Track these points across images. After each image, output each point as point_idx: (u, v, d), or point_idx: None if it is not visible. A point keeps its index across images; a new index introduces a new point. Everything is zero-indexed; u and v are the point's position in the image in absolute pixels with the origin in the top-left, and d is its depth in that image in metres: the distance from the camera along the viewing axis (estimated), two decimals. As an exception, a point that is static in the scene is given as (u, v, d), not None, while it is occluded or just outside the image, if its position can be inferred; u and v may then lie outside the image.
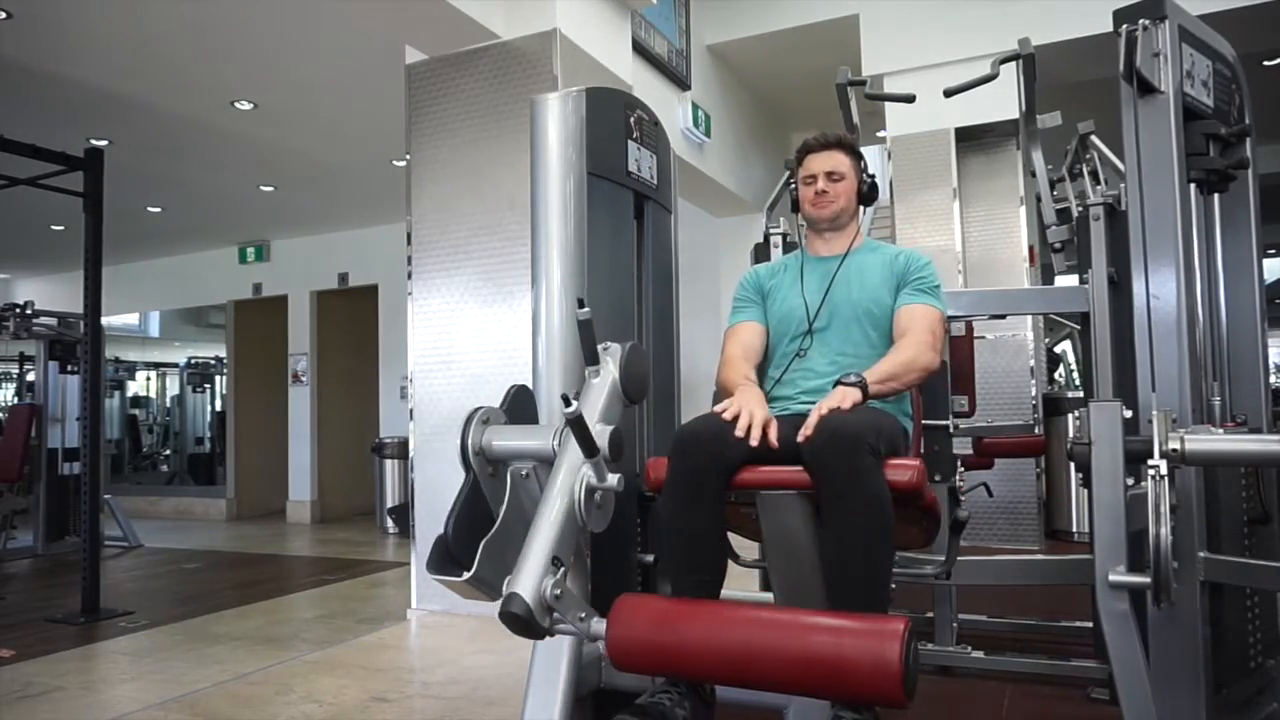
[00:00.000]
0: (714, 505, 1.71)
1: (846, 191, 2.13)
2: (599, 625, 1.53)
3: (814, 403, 1.95)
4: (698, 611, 1.52)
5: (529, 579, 1.48)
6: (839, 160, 2.13)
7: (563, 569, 1.52)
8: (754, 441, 1.73)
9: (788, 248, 2.87)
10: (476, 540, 1.60)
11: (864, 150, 2.27)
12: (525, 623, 1.46)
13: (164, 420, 11.52)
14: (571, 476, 1.61)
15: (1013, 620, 3.14)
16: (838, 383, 1.83)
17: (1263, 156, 2.52)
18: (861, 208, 2.22)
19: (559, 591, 1.49)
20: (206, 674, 3.10)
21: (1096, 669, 2.52)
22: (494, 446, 1.74)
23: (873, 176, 2.20)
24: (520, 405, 1.86)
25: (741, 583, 3.63)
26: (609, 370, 1.80)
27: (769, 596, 2.28)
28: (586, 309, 1.75)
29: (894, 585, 1.97)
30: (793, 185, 2.23)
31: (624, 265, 2.26)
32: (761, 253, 3.00)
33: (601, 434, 1.64)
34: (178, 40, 4.26)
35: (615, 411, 1.77)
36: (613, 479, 1.62)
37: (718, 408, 1.85)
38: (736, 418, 1.77)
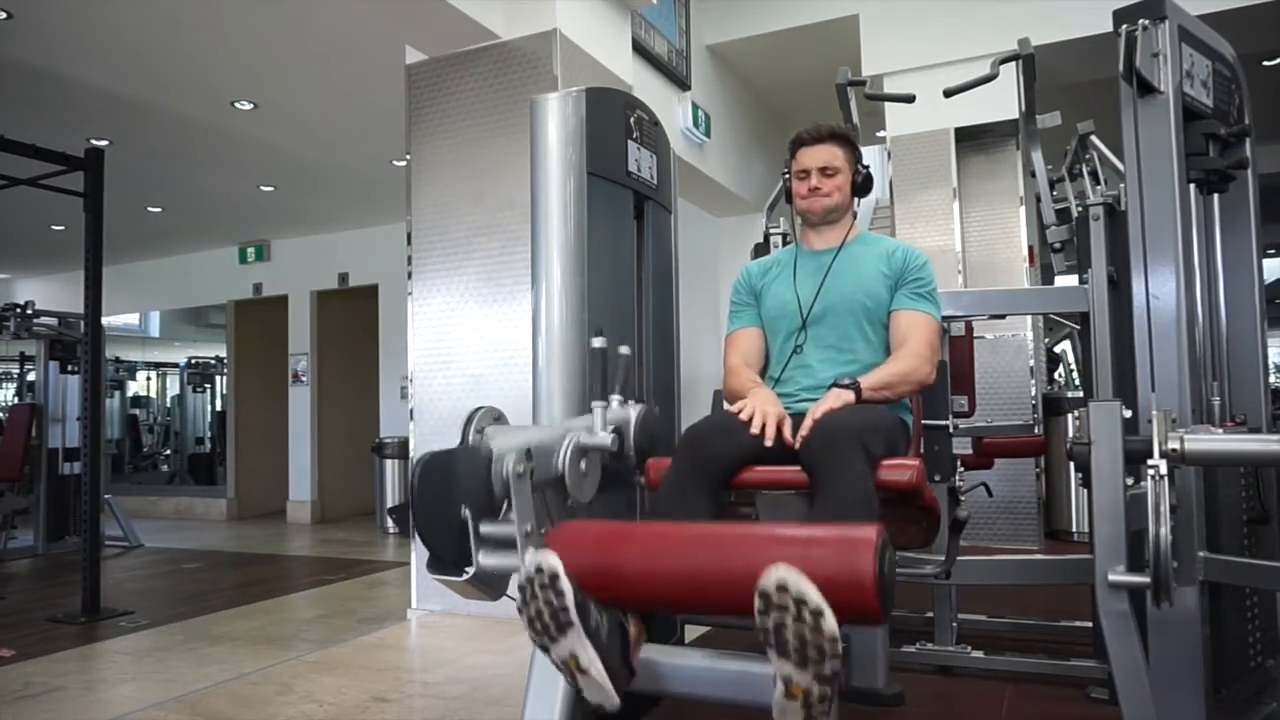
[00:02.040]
0: (711, 504, 1.71)
1: (840, 186, 2.10)
2: (538, 555, 1.38)
3: (813, 400, 1.96)
4: (647, 531, 1.49)
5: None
6: (832, 153, 2.09)
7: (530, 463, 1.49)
8: (769, 441, 1.74)
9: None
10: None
11: (864, 150, 2.26)
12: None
13: (164, 420, 11.52)
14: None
15: (1013, 620, 3.14)
16: (833, 384, 1.84)
17: (1262, 156, 2.52)
18: (856, 200, 2.18)
19: (521, 469, 1.46)
20: (206, 674, 3.10)
21: (1096, 669, 2.52)
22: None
23: (867, 167, 2.16)
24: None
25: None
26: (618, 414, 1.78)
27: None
28: (603, 338, 1.76)
29: (894, 585, 1.97)
30: (786, 176, 2.20)
31: (624, 265, 2.27)
32: (761, 252, 3.00)
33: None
34: (178, 40, 4.26)
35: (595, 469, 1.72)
36: (605, 436, 1.61)
37: (733, 408, 1.85)
38: (752, 417, 1.78)
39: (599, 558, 1.39)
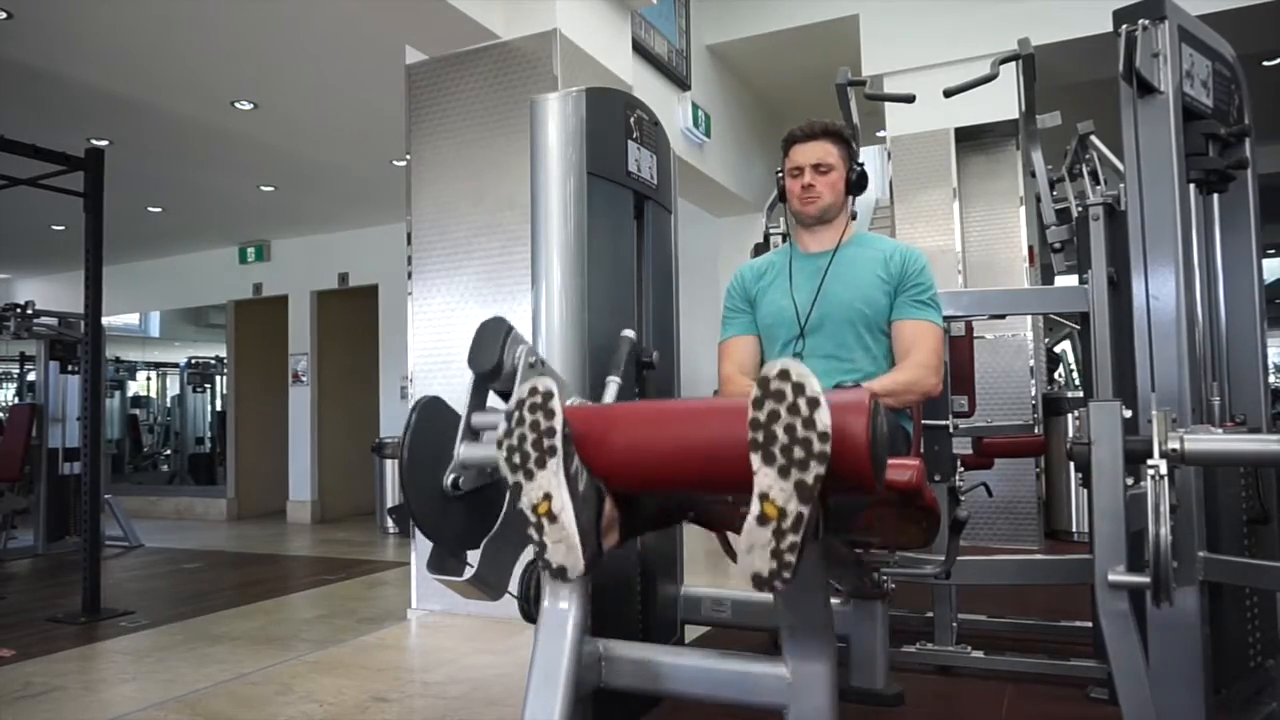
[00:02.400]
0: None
1: (834, 184, 2.07)
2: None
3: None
4: (635, 410, 1.49)
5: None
6: (826, 150, 2.06)
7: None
8: None
9: (788, 247, 2.86)
10: (477, 536, 1.60)
11: (864, 150, 2.24)
12: None
13: (164, 420, 11.53)
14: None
15: (1013, 620, 3.14)
16: (836, 386, 1.83)
17: (1262, 156, 2.52)
18: (851, 198, 2.15)
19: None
20: (206, 674, 3.10)
21: (1096, 669, 2.52)
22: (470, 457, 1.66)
23: (862, 164, 2.13)
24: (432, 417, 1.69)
25: (741, 583, 3.63)
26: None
27: (769, 597, 2.28)
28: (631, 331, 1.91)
29: (894, 585, 1.98)
30: (779, 175, 2.17)
31: (624, 265, 2.26)
32: (761, 252, 3.00)
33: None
34: (178, 40, 4.26)
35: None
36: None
37: None
38: None
39: (591, 427, 1.37)
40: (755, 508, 1.13)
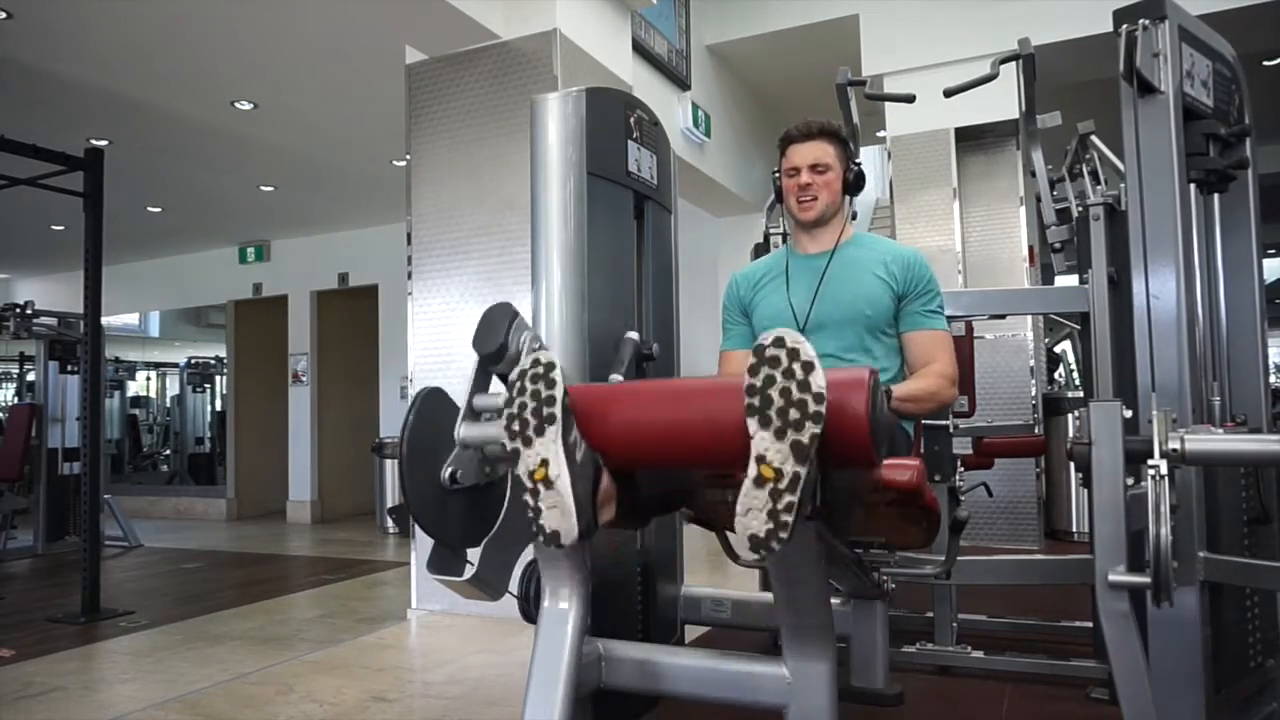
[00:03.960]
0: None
1: (831, 184, 2.05)
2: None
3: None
4: (639, 389, 1.51)
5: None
6: (823, 150, 2.04)
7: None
8: None
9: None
10: (477, 535, 1.60)
11: (864, 150, 2.23)
12: None
13: (164, 420, 11.53)
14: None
15: (1013, 620, 3.14)
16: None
17: (1263, 156, 2.52)
18: (848, 198, 2.14)
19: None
20: (206, 674, 3.10)
21: (1096, 669, 2.53)
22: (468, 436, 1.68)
23: (859, 164, 2.12)
24: (433, 408, 1.69)
25: (742, 583, 3.64)
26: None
27: (769, 597, 2.28)
28: (635, 334, 1.96)
29: (894, 585, 1.98)
30: (776, 175, 2.15)
31: (624, 265, 2.26)
32: (761, 252, 3.00)
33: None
34: (178, 40, 4.26)
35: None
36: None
37: None
38: None
39: (591, 402, 1.40)
40: (752, 470, 1.15)
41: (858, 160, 2.13)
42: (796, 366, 1.13)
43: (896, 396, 1.83)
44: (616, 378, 1.88)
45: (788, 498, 1.13)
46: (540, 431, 1.30)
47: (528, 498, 1.31)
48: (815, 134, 2.05)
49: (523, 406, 1.32)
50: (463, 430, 1.55)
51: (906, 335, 2.03)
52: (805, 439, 1.12)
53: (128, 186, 6.08)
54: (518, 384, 1.34)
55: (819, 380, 1.13)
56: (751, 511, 1.14)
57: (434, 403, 1.60)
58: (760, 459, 1.14)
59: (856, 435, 1.18)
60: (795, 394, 1.13)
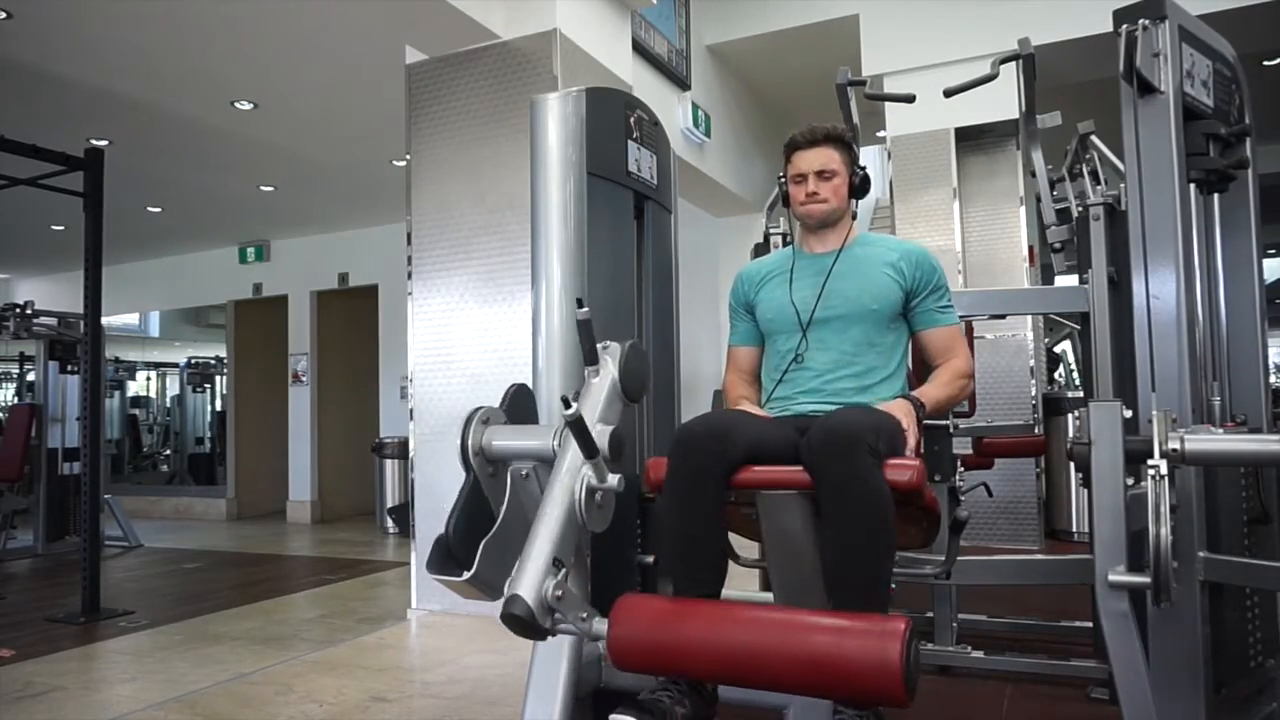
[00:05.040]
0: (713, 504, 1.71)
1: (838, 189, 2.06)
2: (600, 625, 1.53)
3: (814, 402, 1.96)
4: (698, 611, 1.52)
5: (530, 580, 1.48)
6: (829, 156, 2.05)
7: (564, 570, 1.52)
8: None
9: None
10: (476, 540, 1.60)
11: (864, 150, 2.24)
12: (527, 624, 1.46)
13: (164, 420, 11.52)
14: (572, 477, 1.61)
15: (1013, 620, 3.14)
16: (902, 396, 1.91)
17: (1263, 156, 2.52)
18: (854, 201, 2.15)
19: (560, 592, 1.49)
20: (206, 674, 3.10)
21: (1096, 669, 2.53)
22: (494, 446, 1.74)
23: (864, 168, 2.13)
24: (520, 405, 1.86)
25: (741, 583, 3.63)
26: (608, 370, 1.80)
27: (769, 596, 2.28)
28: (586, 309, 1.76)
29: (894, 585, 1.97)
30: (782, 180, 2.17)
31: (624, 265, 2.26)
32: (761, 252, 3.00)
33: (601, 434, 1.64)
34: (178, 40, 4.26)
35: (615, 411, 1.77)
36: (613, 479, 1.62)
37: None
38: (740, 415, 1.79)
39: (657, 634, 1.50)
40: None
41: (863, 165, 2.14)
42: None
43: (929, 409, 1.91)
44: (593, 377, 1.86)
45: None
46: None
47: None
48: (821, 140, 2.06)
49: None
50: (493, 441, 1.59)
51: (923, 333, 2.05)
52: None
53: (128, 186, 6.07)
54: None
55: None
56: None
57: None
58: None
59: (890, 687, 1.30)
60: None
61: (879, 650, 1.28)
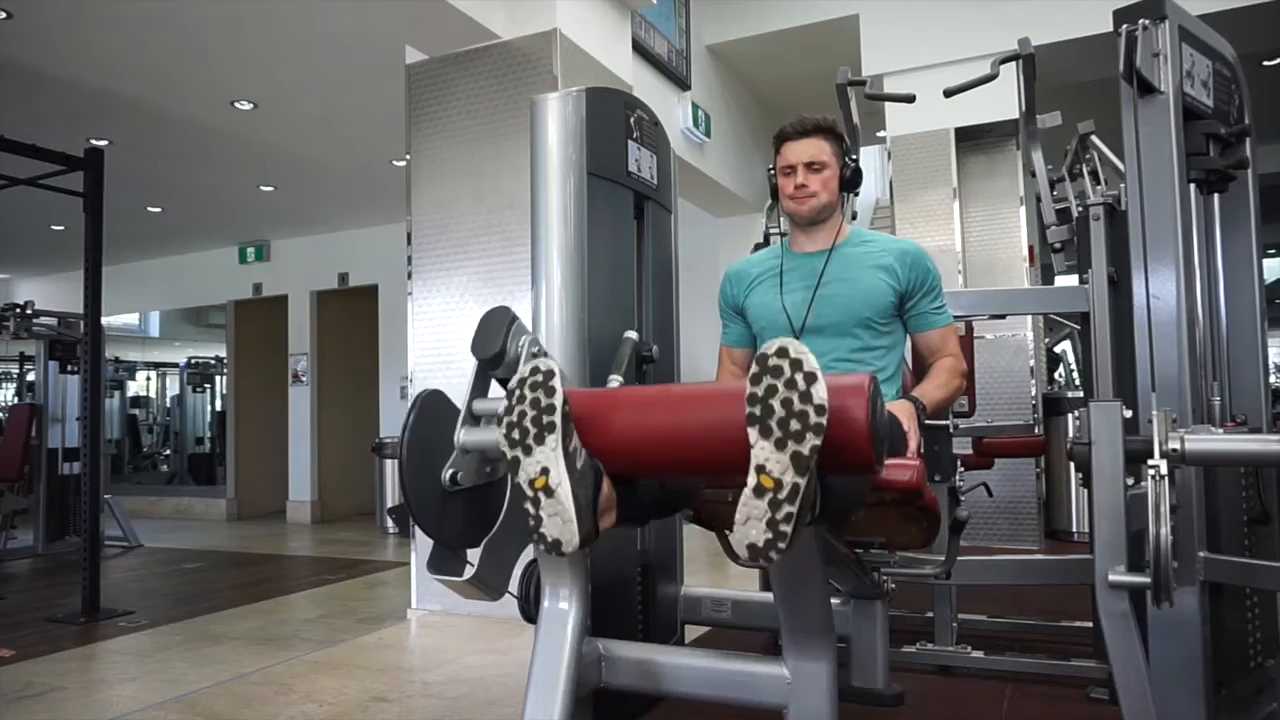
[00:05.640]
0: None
1: (827, 182, 2.02)
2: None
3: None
4: (637, 393, 1.52)
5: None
6: (819, 148, 2.01)
7: None
8: None
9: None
10: (476, 535, 1.60)
11: (864, 150, 2.23)
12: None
13: (164, 420, 11.52)
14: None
15: (1013, 620, 3.14)
16: (903, 397, 1.93)
17: (1263, 156, 2.52)
18: (846, 196, 2.12)
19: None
20: (206, 674, 3.10)
21: (1096, 669, 2.53)
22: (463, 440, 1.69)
23: (856, 160, 2.09)
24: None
25: (741, 583, 3.63)
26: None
27: (768, 596, 2.28)
28: (635, 333, 1.94)
29: (894, 585, 1.98)
30: (771, 173, 2.12)
31: (624, 265, 2.26)
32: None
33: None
34: (178, 40, 4.26)
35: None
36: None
37: None
38: None
39: (591, 408, 1.40)
40: (752, 479, 1.15)
41: (854, 157, 2.10)
42: (799, 377, 1.13)
43: (930, 410, 1.93)
44: (616, 379, 1.88)
45: (787, 508, 1.13)
46: (540, 440, 1.30)
47: (528, 506, 1.31)
48: (811, 131, 2.02)
49: (522, 415, 1.32)
50: (463, 435, 1.55)
51: (919, 335, 2.06)
52: (805, 450, 1.13)
53: (128, 186, 6.07)
54: (517, 391, 1.33)
55: (820, 392, 1.13)
56: (750, 520, 1.15)
57: (434, 404, 1.60)
58: (760, 469, 1.14)
59: (856, 440, 1.19)
60: (797, 405, 1.13)
61: (841, 404, 1.18)
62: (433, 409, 1.59)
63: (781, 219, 3.09)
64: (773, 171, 2.12)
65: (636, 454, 1.38)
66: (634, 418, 1.39)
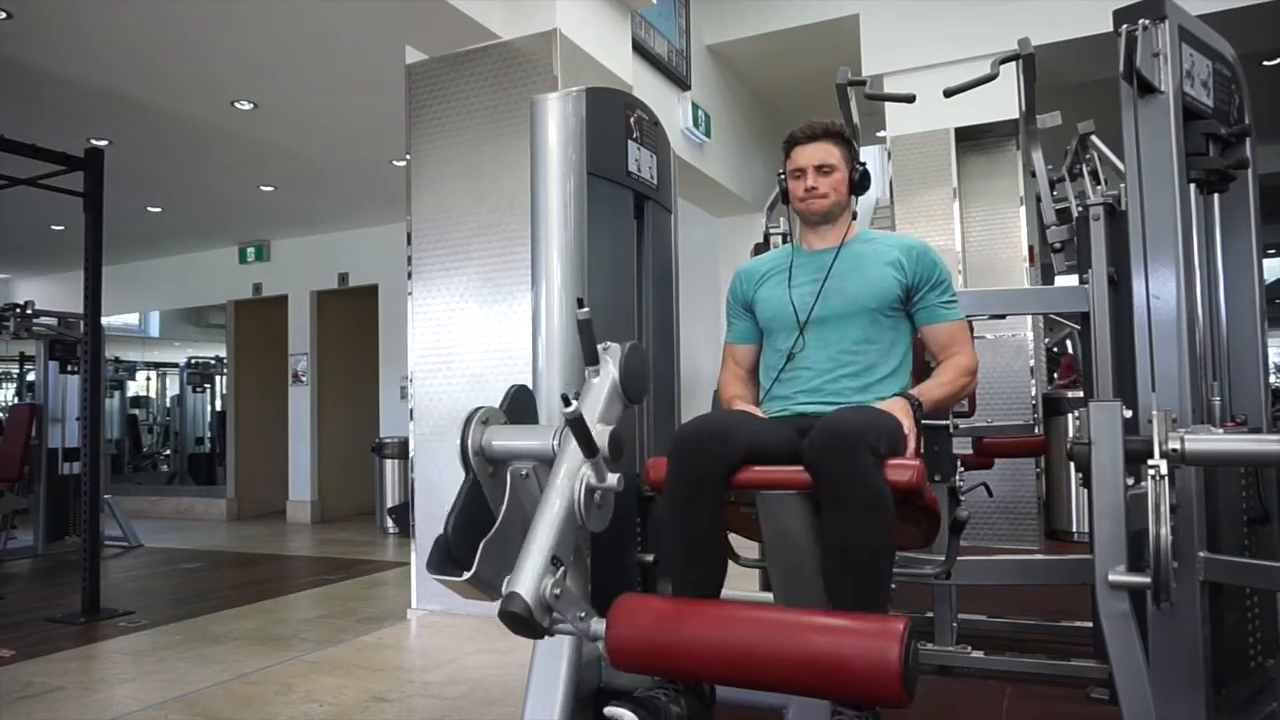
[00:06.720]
0: (713, 504, 1.70)
1: (837, 184, 2.05)
2: (598, 625, 1.53)
3: (814, 402, 1.96)
4: (697, 611, 1.52)
5: (529, 578, 1.48)
6: (828, 151, 2.04)
7: (562, 568, 1.52)
8: None
9: (788, 247, 2.85)
10: (476, 540, 1.60)
11: (864, 150, 2.23)
12: (525, 622, 1.46)
13: (164, 420, 11.52)
14: (571, 477, 1.61)
15: (1013, 620, 3.14)
16: (898, 395, 1.90)
17: (1263, 156, 2.52)
18: (854, 198, 2.14)
19: (558, 591, 1.49)
20: (206, 674, 3.10)
21: (1096, 669, 2.53)
22: (494, 446, 1.74)
23: (864, 164, 2.12)
24: (520, 405, 1.86)
25: (741, 583, 3.63)
26: (609, 370, 1.80)
27: (768, 596, 2.28)
28: (586, 309, 1.75)
29: (894, 585, 1.97)
30: (781, 176, 2.15)
31: (624, 265, 2.26)
32: (761, 252, 2.99)
33: (601, 434, 1.64)
34: (178, 40, 4.26)
35: (615, 411, 1.77)
36: (612, 478, 1.62)
37: None
38: (740, 416, 1.78)
39: (656, 634, 1.50)
40: None
41: (862, 161, 2.13)
42: None
43: (928, 407, 1.90)
44: (593, 378, 1.85)
45: None
46: None
47: None
48: (820, 135, 2.05)
49: None
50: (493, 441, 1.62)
51: (927, 329, 2.05)
52: None
53: (128, 186, 6.07)
54: None
55: None
56: None
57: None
58: None
59: (888, 687, 1.30)
60: None
61: (878, 650, 1.28)
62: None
63: (782, 219, 3.11)
64: (782, 175, 2.14)
65: (704, 676, 1.58)
66: (698, 645, 1.49)
